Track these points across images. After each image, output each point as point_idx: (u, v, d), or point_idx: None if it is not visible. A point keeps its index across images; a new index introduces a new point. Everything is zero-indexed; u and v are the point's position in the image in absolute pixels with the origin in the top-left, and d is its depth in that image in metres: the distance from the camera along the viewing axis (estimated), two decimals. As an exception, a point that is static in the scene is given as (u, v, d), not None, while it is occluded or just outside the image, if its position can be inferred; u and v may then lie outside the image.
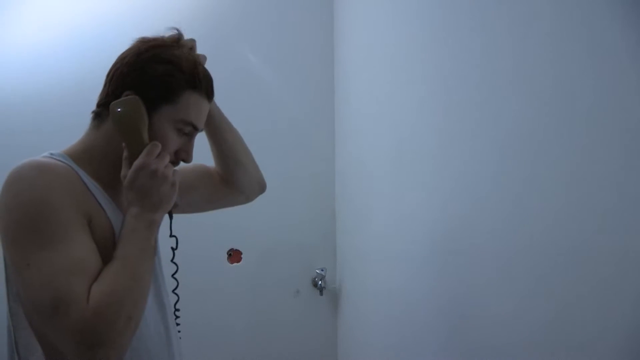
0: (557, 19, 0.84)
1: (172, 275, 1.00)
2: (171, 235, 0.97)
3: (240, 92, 1.99)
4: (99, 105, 0.90)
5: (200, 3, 1.99)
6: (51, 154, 0.87)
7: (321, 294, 2.01)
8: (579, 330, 0.79)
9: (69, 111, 1.70)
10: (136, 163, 0.83)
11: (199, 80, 0.89)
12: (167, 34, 0.92)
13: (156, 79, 0.86)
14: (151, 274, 0.84)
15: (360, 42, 1.85)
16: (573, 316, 0.80)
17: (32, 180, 0.79)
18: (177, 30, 0.92)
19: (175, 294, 1.02)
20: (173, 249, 0.98)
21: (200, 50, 0.99)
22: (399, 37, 1.50)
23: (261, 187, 1.22)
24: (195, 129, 0.92)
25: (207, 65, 0.97)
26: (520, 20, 0.93)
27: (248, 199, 1.21)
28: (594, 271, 0.76)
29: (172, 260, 0.99)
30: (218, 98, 1.01)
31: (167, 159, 0.86)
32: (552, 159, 0.84)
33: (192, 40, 0.96)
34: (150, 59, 0.87)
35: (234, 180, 1.15)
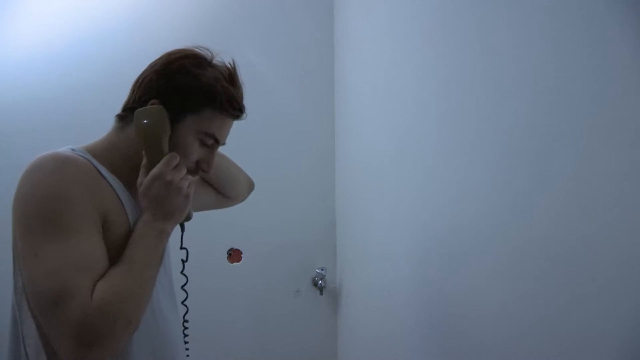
0: (557, 17, 0.84)
1: (182, 287, 1.00)
2: (182, 248, 0.97)
3: (240, 92, 1.98)
4: (125, 109, 0.91)
5: (201, 2, 1.97)
6: (72, 149, 0.86)
7: (321, 293, 2.03)
8: (578, 331, 0.79)
9: (72, 111, 1.69)
10: (153, 172, 0.84)
11: (219, 100, 0.89)
12: (201, 51, 0.92)
13: (180, 90, 0.87)
14: (154, 282, 0.84)
15: (360, 41, 1.84)
16: (572, 317, 0.80)
17: (51, 171, 0.78)
18: (210, 51, 0.93)
19: (185, 305, 1.02)
20: (183, 261, 0.98)
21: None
22: (398, 36, 1.49)
23: (251, 188, 1.26)
24: (217, 142, 0.93)
25: None
26: (520, 18, 0.93)
27: (243, 201, 1.26)
28: (593, 271, 0.76)
29: (182, 272, 0.99)
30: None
31: (184, 171, 0.87)
32: (551, 160, 0.85)
33: (227, 66, 0.94)
34: (177, 69, 0.88)
35: (229, 194, 1.19)
